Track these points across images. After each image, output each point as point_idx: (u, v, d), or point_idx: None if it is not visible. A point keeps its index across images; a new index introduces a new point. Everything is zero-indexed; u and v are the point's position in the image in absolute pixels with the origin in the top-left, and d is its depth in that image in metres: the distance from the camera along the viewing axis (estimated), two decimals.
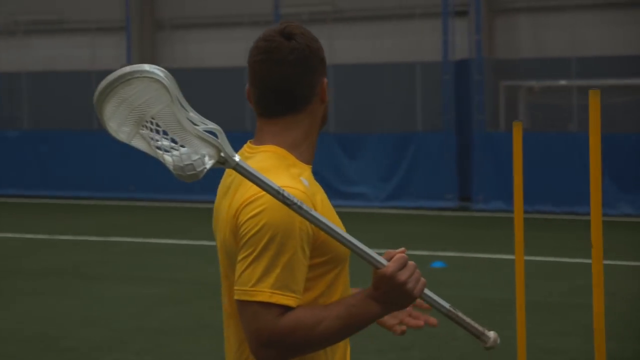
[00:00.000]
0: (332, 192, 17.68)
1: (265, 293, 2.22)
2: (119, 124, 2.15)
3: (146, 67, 2.12)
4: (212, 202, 2.59)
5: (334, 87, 16.98)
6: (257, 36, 2.49)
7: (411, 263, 2.26)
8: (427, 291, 2.33)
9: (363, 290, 2.32)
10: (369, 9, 19.69)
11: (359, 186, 17.81)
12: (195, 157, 2.12)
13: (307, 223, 2.26)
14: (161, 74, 2.12)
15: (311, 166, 2.47)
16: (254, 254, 2.24)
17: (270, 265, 2.23)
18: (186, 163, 2.12)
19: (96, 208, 18.32)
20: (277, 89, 2.38)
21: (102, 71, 21.76)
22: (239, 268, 2.27)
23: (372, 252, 2.28)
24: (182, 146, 2.13)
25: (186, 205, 18.45)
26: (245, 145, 2.48)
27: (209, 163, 2.14)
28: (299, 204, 2.20)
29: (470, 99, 17.42)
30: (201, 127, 2.15)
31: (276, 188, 2.20)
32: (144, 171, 19.21)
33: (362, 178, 17.83)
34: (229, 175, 2.43)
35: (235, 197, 2.34)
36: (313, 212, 2.22)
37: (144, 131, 2.14)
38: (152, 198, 19.07)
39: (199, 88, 21.54)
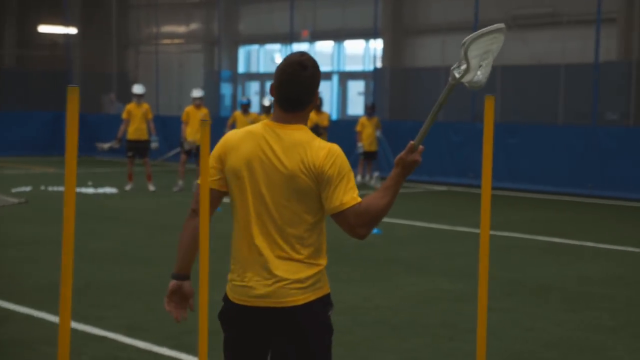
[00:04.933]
0: None
1: (357, 198, 3.80)
2: (475, 56, 3.56)
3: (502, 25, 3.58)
4: None
5: None
6: None
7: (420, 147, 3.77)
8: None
9: (391, 174, 3.79)
10: None
11: None
12: (484, 78, 3.64)
13: None
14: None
15: None
16: (343, 181, 3.80)
17: (348, 184, 3.81)
18: (483, 81, 3.62)
19: (550, 203, 17.99)
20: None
21: (573, 65, 21.27)
22: (337, 192, 3.78)
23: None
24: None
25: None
26: (268, 122, 3.94)
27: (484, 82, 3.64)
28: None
29: None
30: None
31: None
32: (602, 169, 18.50)
33: None
34: (277, 140, 3.87)
35: (307, 154, 3.83)
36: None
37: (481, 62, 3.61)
38: (609, 196, 18.27)
39: None
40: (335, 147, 3.87)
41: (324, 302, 3.90)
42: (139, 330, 7.53)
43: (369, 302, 8.84)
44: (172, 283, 3.96)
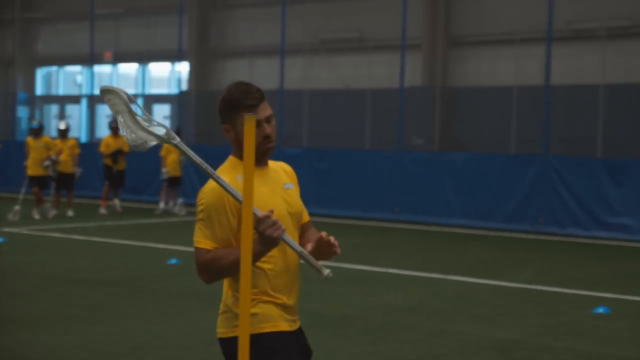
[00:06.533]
0: (593, 222, 15.73)
1: (200, 242, 3.72)
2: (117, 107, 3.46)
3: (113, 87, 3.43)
4: None
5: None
6: None
7: (272, 219, 3.46)
8: (285, 237, 3.55)
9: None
10: None
11: (622, 217, 15.62)
12: (141, 141, 3.44)
13: (234, 202, 3.68)
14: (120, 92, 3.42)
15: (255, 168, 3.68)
16: (197, 218, 3.78)
17: (201, 227, 3.74)
18: (138, 143, 3.44)
19: (358, 228, 17.75)
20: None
21: (379, 89, 21.29)
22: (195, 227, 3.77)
23: (256, 211, 3.45)
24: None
25: (453, 229, 17.30)
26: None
27: (151, 144, 3.49)
28: (215, 176, 3.56)
29: None
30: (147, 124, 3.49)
31: (204, 166, 3.58)
32: (408, 193, 18.49)
33: (627, 209, 15.62)
34: None
35: None
36: (224, 184, 3.54)
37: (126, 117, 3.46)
38: (415, 221, 18.25)
39: (488, 106, 20.35)
40: (209, 186, 3.80)
41: (222, 344, 3.84)
42: None
43: (162, 340, 8.13)
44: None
